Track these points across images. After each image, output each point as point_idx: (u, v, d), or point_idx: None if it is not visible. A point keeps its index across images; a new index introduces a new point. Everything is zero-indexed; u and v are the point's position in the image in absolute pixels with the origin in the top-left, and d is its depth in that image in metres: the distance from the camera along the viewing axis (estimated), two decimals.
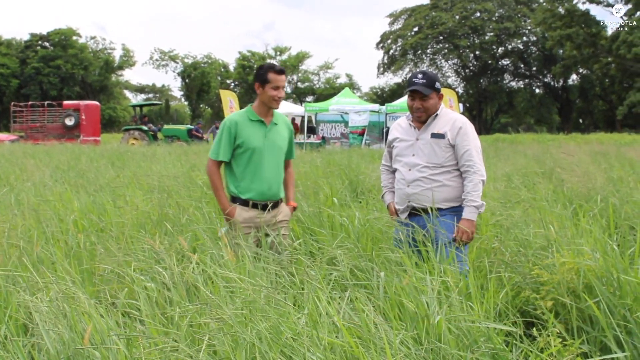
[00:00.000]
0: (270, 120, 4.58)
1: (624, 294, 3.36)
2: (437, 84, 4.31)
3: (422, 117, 4.33)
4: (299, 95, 75.06)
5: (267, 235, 4.41)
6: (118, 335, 2.74)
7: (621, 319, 3.24)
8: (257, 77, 4.49)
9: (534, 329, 3.15)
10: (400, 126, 4.54)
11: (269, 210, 4.51)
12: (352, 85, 72.24)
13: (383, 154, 4.76)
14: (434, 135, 4.28)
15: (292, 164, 4.90)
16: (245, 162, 4.49)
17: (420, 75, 4.31)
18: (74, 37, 71.97)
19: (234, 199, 4.56)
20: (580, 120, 71.92)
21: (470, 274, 3.44)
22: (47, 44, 71.20)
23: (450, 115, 4.36)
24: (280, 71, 4.47)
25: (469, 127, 4.30)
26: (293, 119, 32.36)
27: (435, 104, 4.31)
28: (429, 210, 4.19)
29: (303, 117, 30.94)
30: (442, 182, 4.25)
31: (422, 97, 4.27)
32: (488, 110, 73.71)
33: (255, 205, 4.49)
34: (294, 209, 4.84)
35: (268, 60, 75.43)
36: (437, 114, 4.34)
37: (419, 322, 2.93)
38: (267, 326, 2.60)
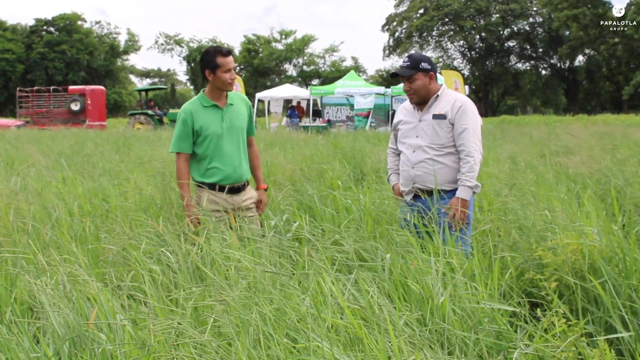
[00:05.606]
0: (225, 103, 4.54)
1: (629, 274, 3.35)
2: (424, 64, 4.28)
3: (413, 98, 4.35)
4: (304, 79, 74.71)
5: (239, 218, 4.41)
6: (123, 317, 2.75)
7: (626, 299, 3.24)
8: (206, 63, 4.42)
9: (538, 309, 3.15)
10: (405, 109, 4.55)
11: (237, 193, 4.53)
12: (358, 68, 71.82)
13: (389, 136, 4.75)
14: (435, 117, 4.27)
15: (255, 141, 4.86)
16: (205, 148, 4.47)
17: (405, 59, 4.37)
18: (79, 22, 71.85)
19: (201, 185, 4.54)
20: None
21: (475, 255, 3.44)
22: (52, 29, 71.07)
23: (452, 96, 4.33)
24: (228, 53, 4.43)
25: (469, 106, 4.27)
26: (299, 102, 32.26)
27: (424, 85, 4.29)
28: (433, 192, 4.19)
29: (308, 100, 30.85)
30: (445, 164, 4.23)
31: (408, 79, 4.30)
32: (494, 92, 73.35)
33: (222, 189, 4.48)
34: (265, 190, 4.82)
35: (273, 44, 75.08)
36: (437, 95, 4.33)
37: (424, 304, 2.92)
38: (272, 308, 2.60)
